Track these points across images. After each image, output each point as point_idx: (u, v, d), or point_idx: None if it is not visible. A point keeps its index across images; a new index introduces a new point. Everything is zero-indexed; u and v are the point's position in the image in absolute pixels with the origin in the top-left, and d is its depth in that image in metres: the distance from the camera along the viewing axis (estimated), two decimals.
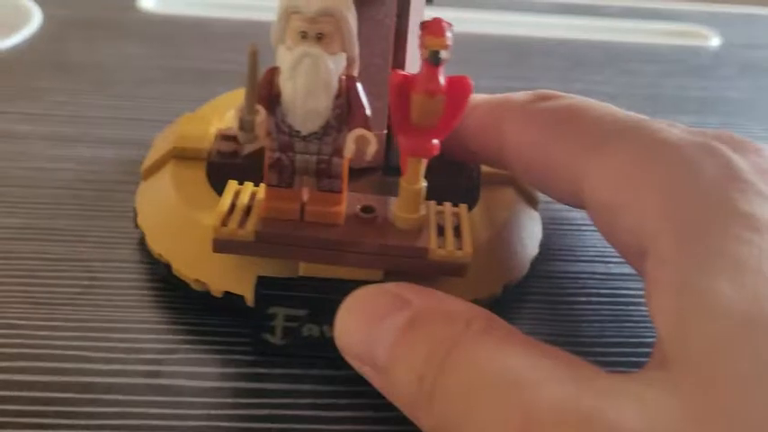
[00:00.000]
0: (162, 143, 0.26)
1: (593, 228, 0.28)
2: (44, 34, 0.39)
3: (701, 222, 0.16)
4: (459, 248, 0.20)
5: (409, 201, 0.20)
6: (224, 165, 0.24)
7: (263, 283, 0.20)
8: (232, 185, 0.21)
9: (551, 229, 0.27)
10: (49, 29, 0.39)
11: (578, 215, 0.29)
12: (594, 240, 0.28)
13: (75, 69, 0.36)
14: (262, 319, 0.21)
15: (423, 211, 0.20)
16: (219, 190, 0.22)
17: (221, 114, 0.27)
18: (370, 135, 0.18)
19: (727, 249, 0.15)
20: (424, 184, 0.20)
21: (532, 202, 0.26)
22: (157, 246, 0.23)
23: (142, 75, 0.36)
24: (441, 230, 0.21)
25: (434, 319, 0.17)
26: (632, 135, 0.19)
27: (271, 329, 0.21)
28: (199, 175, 0.24)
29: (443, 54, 0.17)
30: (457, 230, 0.21)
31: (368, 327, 0.17)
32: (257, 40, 0.18)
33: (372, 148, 0.18)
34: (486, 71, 0.40)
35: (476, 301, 0.22)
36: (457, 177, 0.25)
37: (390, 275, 0.21)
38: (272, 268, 0.21)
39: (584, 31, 0.47)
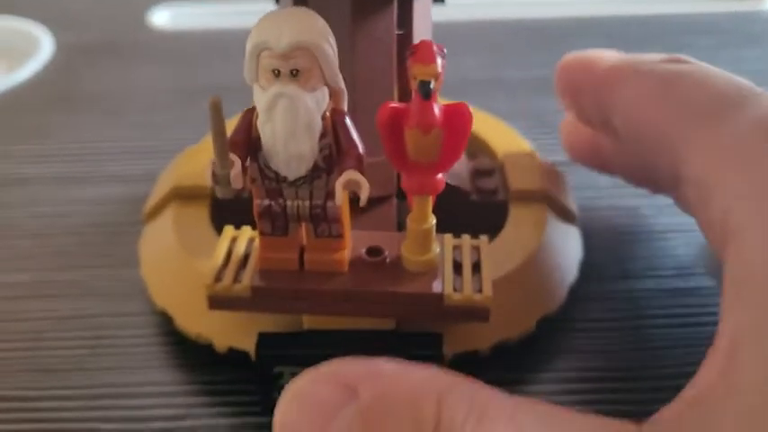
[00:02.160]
0: (164, 182, 0.25)
1: (641, 237, 0.26)
2: (55, 63, 0.37)
3: None
4: (479, 290, 0.18)
5: (419, 241, 0.18)
6: (228, 201, 0.22)
7: (264, 341, 0.19)
8: (228, 232, 0.19)
9: (593, 242, 0.24)
10: (60, 57, 0.38)
11: (623, 222, 0.26)
12: (644, 251, 0.25)
13: (85, 101, 0.34)
14: (268, 379, 0.19)
15: (436, 250, 0.18)
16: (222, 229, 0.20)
17: None
18: (361, 179, 0.16)
19: None
20: (433, 221, 0.18)
21: (569, 218, 0.24)
22: (160, 299, 0.21)
23: (154, 99, 0.34)
24: (459, 268, 0.18)
25: (386, 416, 0.14)
26: (743, 114, 0.17)
27: (279, 388, 0.19)
28: (201, 215, 0.23)
29: (435, 84, 0.15)
30: (477, 267, 0.19)
31: (316, 427, 0.14)
32: None
33: (365, 193, 0.16)
34: (518, 59, 0.37)
35: (505, 341, 0.20)
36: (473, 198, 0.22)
37: (405, 323, 0.19)
38: (275, 320, 0.19)
39: (626, 4, 0.43)
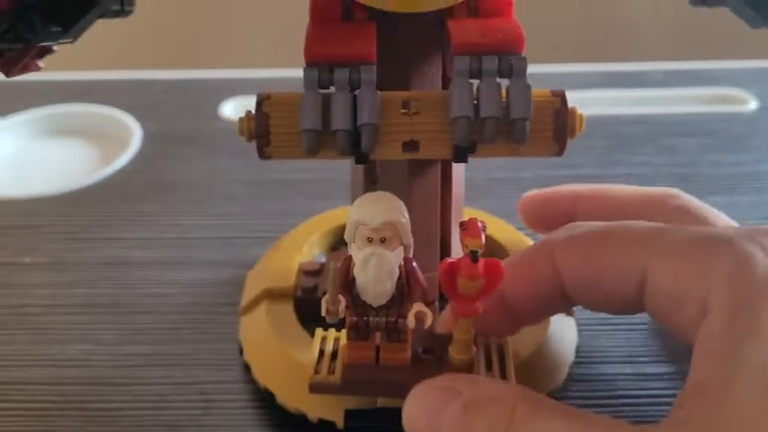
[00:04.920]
0: (254, 282, 0.32)
1: (623, 327, 0.32)
2: (143, 152, 0.45)
3: (748, 304, 0.20)
4: (503, 377, 0.25)
5: (462, 347, 0.25)
6: (307, 299, 0.29)
7: (350, 416, 0.26)
8: (319, 333, 0.26)
9: (586, 331, 0.31)
10: (148, 146, 0.45)
11: (608, 317, 0.33)
12: (623, 340, 0.31)
13: (173, 189, 0.42)
14: None
15: (473, 351, 0.25)
16: (306, 321, 0.28)
17: (299, 247, 0.33)
18: (426, 311, 0.23)
19: (765, 328, 0.19)
20: (473, 332, 0.25)
21: (568, 311, 0.31)
22: (262, 379, 0.28)
23: (229, 190, 0.41)
24: (489, 363, 0.25)
25: (484, 403, 0.21)
26: (681, 232, 0.23)
27: None
28: (288, 309, 0.30)
29: (480, 251, 0.22)
30: (502, 359, 0.25)
31: (430, 418, 0.22)
32: None
33: (429, 320, 0.23)
34: (529, 161, 0.44)
35: None
36: None
37: None
38: (356, 399, 0.26)
39: (628, 105, 0.50)
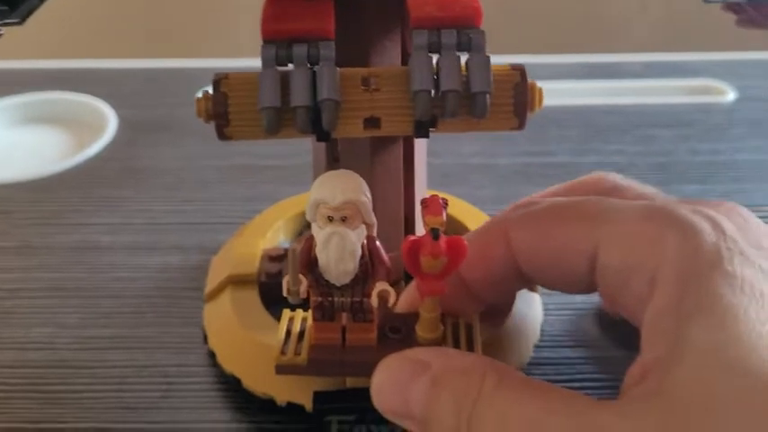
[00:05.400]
0: (218, 268, 0.31)
1: (586, 312, 0.32)
2: (118, 139, 0.44)
3: (696, 279, 0.20)
4: None
5: (429, 325, 0.24)
6: (271, 284, 0.29)
7: (319, 398, 0.25)
8: (286, 314, 0.26)
9: (551, 313, 0.31)
10: (122, 133, 0.45)
11: (575, 299, 0.33)
12: (587, 325, 0.31)
13: (146, 175, 0.41)
14: (320, 426, 0.25)
15: (441, 329, 0.25)
16: (270, 306, 0.28)
17: (264, 233, 0.32)
18: (390, 290, 0.23)
19: (712, 305, 0.19)
20: (439, 311, 0.24)
21: (531, 288, 0.30)
22: (228, 365, 0.28)
23: (200, 176, 0.41)
24: (457, 342, 0.25)
25: (452, 376, 0.21)
26: (629, 207, 0.23)
27: None
28: (252, 295, 0.29)
29: (441, 229, 0.22)
30: (470, 339, 0.25)
31: (399, 390, 0.21)
32: None
33: (392, 299, 0.23)
34: (503, 147, 0.44)
35: None
36: None
37: None
38: (324, 381, 0.26)
39: (605, 96, 0.50)
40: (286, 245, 0.33)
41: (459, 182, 0.41)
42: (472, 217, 0.34)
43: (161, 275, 0.34)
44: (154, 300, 0.33)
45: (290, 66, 0.23)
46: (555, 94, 0.49)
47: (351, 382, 0.26)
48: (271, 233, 0.32)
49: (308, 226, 0.34)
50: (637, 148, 0.44)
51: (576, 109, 0.48)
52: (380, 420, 0.24)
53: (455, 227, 0.33)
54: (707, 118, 0.48)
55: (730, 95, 0.50)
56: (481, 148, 0.43)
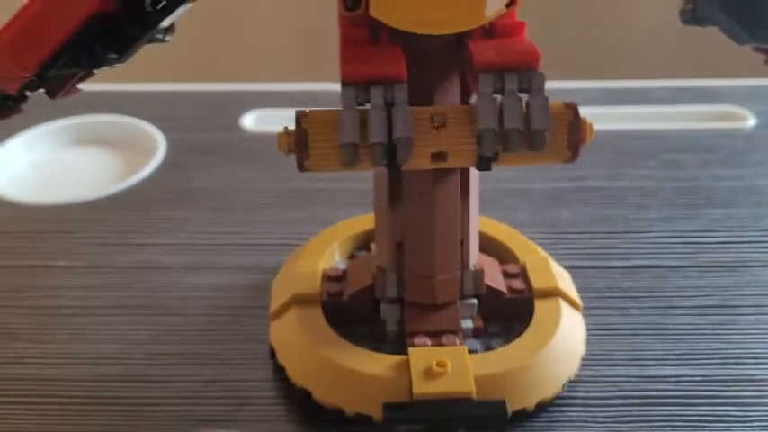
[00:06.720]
0: (281, 288, 0.33)
1: (630, 332, 0.34)
2: (167, 161, 0.47)
3: None
4: None
5: None
6: (334, 304, 0.31)
7: (389, 409, 0.27)
8: None
9: (593, 333, 0.33)
10: (172, 156, 0.47)
11: (617, 320, 0.35)
12: (627, 345, 0.33)
13: (197, 197, 0.43)
14: None
15: None
16: (334, 322, 0.30)
17: (322, 254, 0.34)
18: None
19: None
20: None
21: (576, 307, 0.33)
22: (298, 378, 0.30)
23: (252, 199, 0.43)
24: None
25: None
26: None
27: None
28: (317, 313, 0.31)
29: None
30: None
31: None
32: None
33: None
34: (537, 172, 0.45)
35: (543, 400, 0.29)
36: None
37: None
38: (392, 391, 0.27)
39: (632, 121, 0.52)
40: (342, 266, 0.34)
41: (496, 206, 0.43)
42: (513, 239, 0.36)
43: (220, 294, 0.36)
44: (216, 318, 0.35)
45: (366, 105, 0.25)
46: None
47: (417, 395, 0.27)
48: (328, 254, 0.34)
49: (360, 248, 0.36)
50: (663, 173, 0.46)
51: (606, 134, 0.50)
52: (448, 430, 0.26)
53: (498, 249, 0.35)
54: (729, 143, 0.50)
55: (750, 121, 0.52)
56: (516, 174, 0.45)
